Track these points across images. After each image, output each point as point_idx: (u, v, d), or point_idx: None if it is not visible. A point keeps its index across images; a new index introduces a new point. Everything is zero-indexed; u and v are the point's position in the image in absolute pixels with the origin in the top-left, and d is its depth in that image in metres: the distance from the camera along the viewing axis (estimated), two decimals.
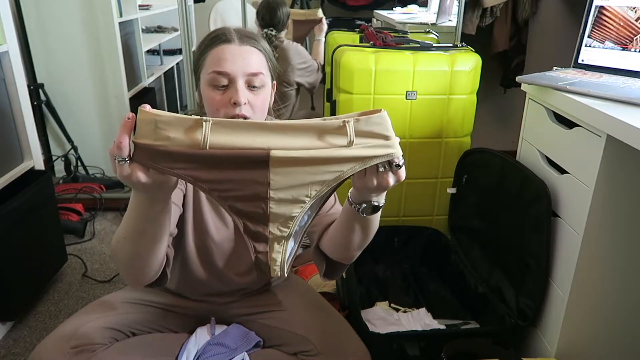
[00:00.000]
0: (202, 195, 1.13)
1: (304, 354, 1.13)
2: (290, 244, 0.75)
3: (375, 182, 0.74)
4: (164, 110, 3.34)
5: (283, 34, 2.59)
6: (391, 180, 0.74)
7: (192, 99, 2.02)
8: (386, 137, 0.69)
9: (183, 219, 1.13)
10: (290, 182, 0.68)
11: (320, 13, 2.81)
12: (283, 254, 0.74)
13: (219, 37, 1.01)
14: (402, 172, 0.74)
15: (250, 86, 1.00)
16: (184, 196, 1.11)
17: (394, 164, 0.72)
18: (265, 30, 2.45)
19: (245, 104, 0.98)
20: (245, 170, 0.67)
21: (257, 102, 1.00)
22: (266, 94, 1.03)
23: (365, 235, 0.98)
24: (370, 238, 1.00)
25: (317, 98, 2.83)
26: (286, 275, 0.77)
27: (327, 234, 1.03)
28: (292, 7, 3.92)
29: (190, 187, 1.13)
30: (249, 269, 1.20)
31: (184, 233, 1.14)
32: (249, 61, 0.99)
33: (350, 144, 0.67)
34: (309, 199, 0.70)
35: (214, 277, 1.18)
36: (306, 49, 3.87)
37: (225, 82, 0.98)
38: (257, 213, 0.71)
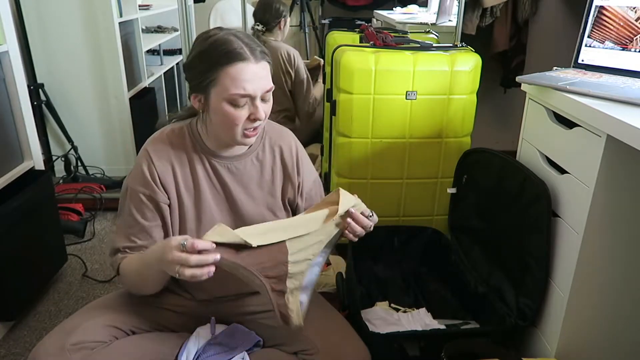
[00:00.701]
0: (206, 196, 1.15)
1: (304, 353, 1.13)
2: (303, 295, 1.04)
3: (358, 228, 1.08)
4: (164, 110, 3.35)
5: (277, 35, 2.61)
6: (365, 222, 1.09)
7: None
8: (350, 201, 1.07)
9: (185, 221, 1.15)
10: (300, 247, 1.02)
11: (319, 59, 2.85)
12: (296, 303, 1.02)
13: (234, 55, 1.00)
14: (372, 221, 1.12)
15: (263, 100, 1.06)
16: (183, 205, 1.14)
17: (367, 214, 1.10)
18: (253, 25, 2.48)
19: (261, 119, 1.06)
20: (271, 252, 1.00)
21: (267, 110, 1.08)
22: (271, 100, 1.10)
23: None
24: None
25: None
26: (302, 324, 1.02)
27: None
28: (291, 8, 3.93)
29: (189, 192, 1.15)
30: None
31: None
32: (266, 79, 1.05)
33: (337, 219, 1.05)
34: (313, 256, 1.03)
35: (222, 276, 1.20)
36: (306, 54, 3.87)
37: (245, 102, 1.03)
38: (279, 275, 1.00)
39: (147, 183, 1.10)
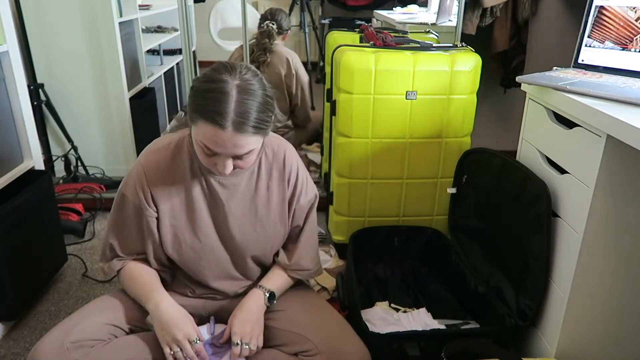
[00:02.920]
0: (200, 210, 1.16)
1: (304, 354, 1.13)
2: None
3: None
4: (164, 110, 3.34)
5: (280, 40, 2.65)
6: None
7: None
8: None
9: (180, 234, 1.17)
10: None
11: None
12: None
13: (212, 117, 0.95)
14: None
15: (240, 158, 1.02)
16: (176, 218, 1.16)
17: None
18: (266, 21, 2.52)
19: (229, 172, 1.03)
20: None
21: (244, 165, 1.05)
22: (255, 155, 1.06)
23: None
24: None
25: (317, 98, 2.84)
26: None
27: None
28: (291, 8, 3.94)
29: (182, 206, 1.16)
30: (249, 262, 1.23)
31: (188, 236, 1.17)
32: (240, 147, 0.99)
33: None
34: None
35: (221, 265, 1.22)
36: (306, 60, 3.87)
37: (212, 153, 1.01)
38: None
39: (139, 197, 1.13)
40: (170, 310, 1.11)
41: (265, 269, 1.28)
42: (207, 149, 1.00)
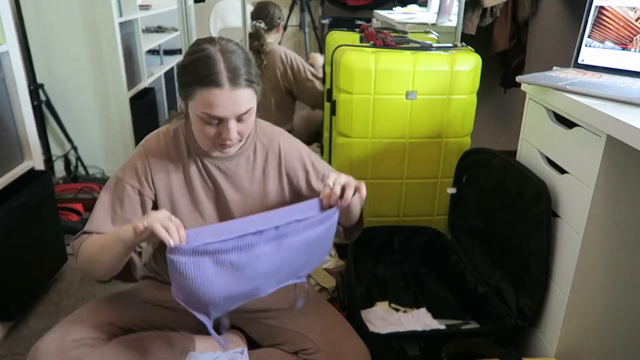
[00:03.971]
0: (199, 195, 1.17)
1: (304, 352, 1.13)
2: None
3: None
4: (164, 110, 3.34)
5: (273, 36, 2.61)
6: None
7: None
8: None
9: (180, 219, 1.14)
10: None
11: (315, 56, 2.85)
12: None
13: (208, 80, 0.99)
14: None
15: (239, 120, 1.04)
16: (176, 203, 1.15)
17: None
18: (253, 22, 2.49)
19: (233, 139, 1.05)
20: None
21: (245, 130, 1.07)
22: (253, 117, 1.09)
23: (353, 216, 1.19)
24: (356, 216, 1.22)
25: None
26: None
27: None
28: (291, 8, 3.93)
29: (182, 192, 1.16)
30: None
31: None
32: (240, 104, 1.02)
33: None
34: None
35: None
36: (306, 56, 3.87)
37: (216, 121, 1.03)
38: None
39: (139, 177, 1.12)
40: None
41: None
42: (210, 117, 1.02)
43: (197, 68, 1.00)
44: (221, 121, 1.03)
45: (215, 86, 0.99)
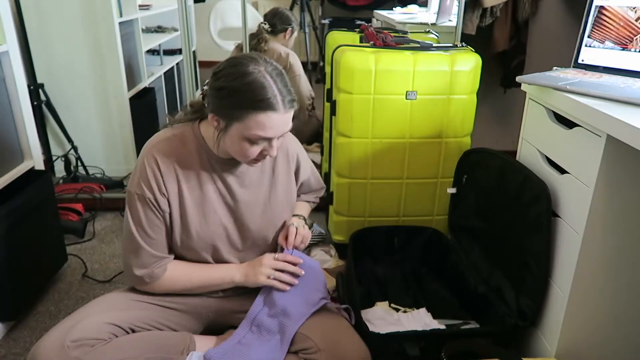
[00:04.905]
0: (210, 198, 1.18)
1: (304, 352, 1.13)
2: None
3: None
4: (164, 110, 3.34)
5: (280, 41, 2.67)
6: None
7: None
8: None
9: (189, 223, 1.17)
10: None
11: None
12: None
13: (267, 104, 1.02)
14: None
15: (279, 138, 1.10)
16: (185, 208, 1.16)
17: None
18: (261, 23, 2.58)
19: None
20: None
21: (279, 144, 1.12)
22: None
23: None
24: None
25: (317, 98, 2.83)
26: None
27: None
28: (291, 8, 3.93)
29: (193, 195, 1.16)
30: (244, 245, 1.25)
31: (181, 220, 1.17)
32: (289, 123, 1.09)
33: None
34: None
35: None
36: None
37: (264, 141, 1.07)
38: None
39: (151, 187, 1.11)
40: (242, 266, 1.24)
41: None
42: (260, 138, 1.05)
43: (254, 92, 1.01)
44: (267, 140, 1.07)
45: (272, 110, 1.02)
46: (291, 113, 1.08)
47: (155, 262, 1.16)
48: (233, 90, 1.03)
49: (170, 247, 1.20)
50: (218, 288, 1.25)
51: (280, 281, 1.21)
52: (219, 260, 1.23)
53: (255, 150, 1.07)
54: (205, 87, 1.10)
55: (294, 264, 1.22)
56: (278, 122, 1.04)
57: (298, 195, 1.40)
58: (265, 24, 2.62)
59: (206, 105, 1.10)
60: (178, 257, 1.22)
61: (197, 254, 1.20)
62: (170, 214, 1.15)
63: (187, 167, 1.15)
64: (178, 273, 1.19)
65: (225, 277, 1.22)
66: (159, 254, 1.16)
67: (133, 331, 1.14)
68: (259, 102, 1.01)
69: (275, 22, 2.66)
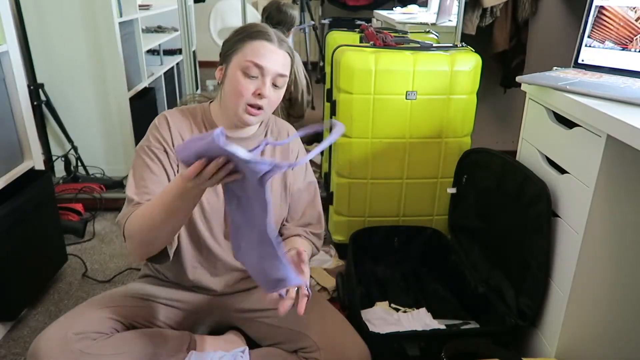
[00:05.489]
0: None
1: (303, 351, 1.13)
2: None
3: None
4: (164, 110, 3.34)
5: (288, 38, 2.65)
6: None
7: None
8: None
9: None
10: None
11: None
12: None
13: (261, 34, 1.12)
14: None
15: (274, 84, 1.11)
16: None
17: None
18: (265, 21, 2.54)
19: (266, 97, 1.10)
20: None
21: (274, 99, 1.13)
22: (282, 93, 1.15)
23: None
24: None
25: (317, 98, 2.83)
26: None
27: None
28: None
29: None
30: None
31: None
32: (282, 64, 1.12)
33: None
34: None
35: (207, 255, 1.21)
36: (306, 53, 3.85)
37: (256, 74, 1.09)
38: None
39: (158, 139, 1.13)
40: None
41: None
42: (254, 66, 1.08)
43: (251, 27, 1.14)
44: (260, 76, 1.09)
45: (265, 39, 1.11)
46: (285, 55, 1.13)
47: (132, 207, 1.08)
48: (237, 30, 1.15)
49: None
50: (176, 201, 0.93)
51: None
52: (208, 236, 1.19)
53: (249, 85, 1.09)
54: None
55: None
56: (271, 52, 1.10)
57: (300, 225, 1.28)
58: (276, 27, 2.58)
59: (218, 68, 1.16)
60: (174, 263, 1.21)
61: (193, 226, 1.17)
62: (167, 172, 1.12)
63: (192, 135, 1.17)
64: (136, 213, 1.02)
65: (172, 183, 0.95)
66: (140, 200, 1.07)
67: (134, 327, 1.14)
68: (254, 32, 1.11)
69: (283, 22, 2.60)
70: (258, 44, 1.10)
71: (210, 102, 1.22)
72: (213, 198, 1.17)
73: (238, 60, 1.10)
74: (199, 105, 1.22)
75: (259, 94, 1.09)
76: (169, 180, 1.13)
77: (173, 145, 1.14)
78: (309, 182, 1.31)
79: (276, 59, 1.11)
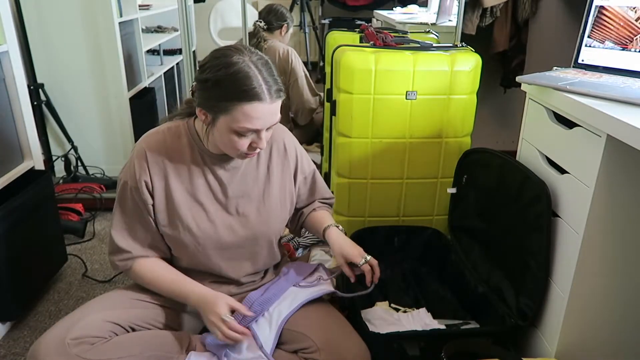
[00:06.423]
0: (201, 193, 1.17)
1: (303, 351, 1.13)
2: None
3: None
4: (164, 110, 3.34)
5: (277, 37, 2.68)
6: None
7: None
8: None
9: (179, 217, 1.16)
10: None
11: None
12: None
13: (252, 94, 1.01)
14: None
15: (268, 129, 1.09)
16: (173, 201, 1.16)
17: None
18: (256, 21, 2.58)
19: (263, 145, 1.09)
20: None
21: (269, 135, 1.11)
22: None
23: None
24: None
25: None
26: None
27: (307, 221, 1.38)
28: (291, 8, 3.93)
29: (184, 189, 1.16)
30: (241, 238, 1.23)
31: (180, 223, 1.17)
32: (276, 114, 1.07)
33: None
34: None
35: (213, 255, 1.22)
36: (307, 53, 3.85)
37: (252, 133, 1.06)
38: None
39: (139, 180, 1.13)
40: (201, 299, 1.14)
41: (268, 255, 1.29)
42: (247, 130, 1.04)
43: (238, 82, 1.00)
44: (255, 132, 1.06)
45: (258, 100, 1.01)
46: (278, 103, 1.05)
47: (119, 253, 1.18)
48: (217, 81, 1.02)
49: (157, 245, 1.20)
50: (180, 300, 1.19)
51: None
52: (204, 257, 1.20)
53: (244, 142, 1.06)
54: (193, 83, 1.10)
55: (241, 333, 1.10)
56: (265, 112, 1.03)
57: (313, 201, 1.38)
58: (260, 21, 2.62)
59: (194, 99, 1.10)
60: (171, 252, 1.23)
61: (185, 248, 1.18)
62: (154, 205, 1.15)
63: (178, 161, 1.15)
64: (146, 273, 1.19)
65: (180, 295, 1.17)
66: (123, 247, 1.17)
67: (133, 330, 1.14)
68: (244, 92, 1.00)
69: (271, 19, 2.65)
70: (249, 108, 1.01)
71: (195, 116, 1.16)
72: (189, 218, 1.18)
73: (228, 122, 1.03)
74: (182, 123, 1.17)
75: (255, 147, 1.08)
76: (152, 216, 1.16)
77: (151, 181, 1.14)
78: (311, 169, 1.36)
79: (271, 114, 1.05)
